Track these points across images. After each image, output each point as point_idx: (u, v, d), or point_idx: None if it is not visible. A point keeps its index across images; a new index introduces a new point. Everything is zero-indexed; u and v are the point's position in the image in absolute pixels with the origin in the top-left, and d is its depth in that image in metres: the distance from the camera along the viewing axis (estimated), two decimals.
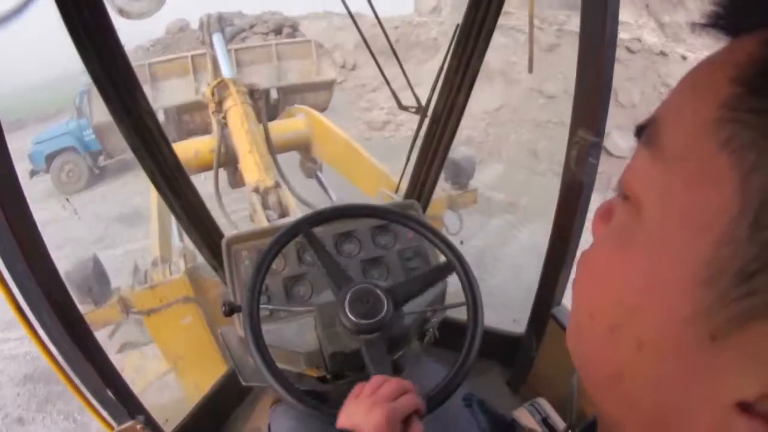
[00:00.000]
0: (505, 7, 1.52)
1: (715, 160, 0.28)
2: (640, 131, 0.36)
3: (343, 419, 0.93)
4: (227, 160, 3.88)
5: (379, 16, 1.64)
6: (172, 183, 1.56)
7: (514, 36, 11.06)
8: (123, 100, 1.37)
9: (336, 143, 4.41)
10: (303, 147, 4.84)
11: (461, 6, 1.58)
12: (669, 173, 0.32)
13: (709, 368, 0.28)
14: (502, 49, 10.79)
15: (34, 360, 5.32)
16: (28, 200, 1.18)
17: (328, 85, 7.58)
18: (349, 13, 1.68)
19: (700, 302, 0.28)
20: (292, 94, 7.06)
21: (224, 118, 3.78)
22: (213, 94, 3.82)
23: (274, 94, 6.45)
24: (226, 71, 4.21)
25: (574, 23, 9.50)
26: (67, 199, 10.86)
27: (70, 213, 9.47)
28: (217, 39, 4.87)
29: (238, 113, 3.66)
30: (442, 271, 1.37)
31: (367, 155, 4.08)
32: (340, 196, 4.88)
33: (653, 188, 0.33)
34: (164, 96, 6.66)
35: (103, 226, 8.60)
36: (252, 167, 3.35)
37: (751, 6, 0.32)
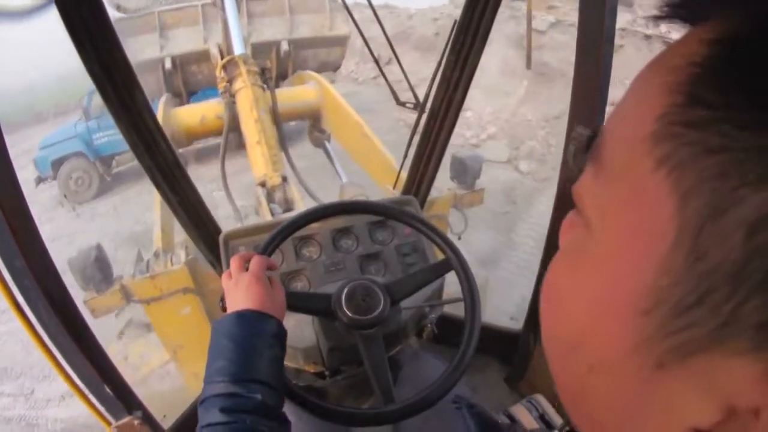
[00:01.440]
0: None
1: (651, 180, 0.26)
2: (589, 143, 0.34)
3: (231, 308, 0.99)
4: (234, 126, 3.77)
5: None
6: (170, 179, 1.56)
7: (574, 33, 10.34)
8: (121, 97, 1.36)
9: (344, 117, 4.34)
10: (312, 116, 4.75)
11: None
12: (609, 192, 0.30)
13: (659, 394, 0.27)
14: (562, 48, 9.88)
15: (31, 427, 4.39)
16: (33, 209, 1.18)
17: (342, 41, 7.47)
18: (347, 9, 1.66)
19: (642, 332, 0.27)
20: (303, 49, 6.97)
21: (233, 96, 3.67)
22: (222, 73, 3.70)
23: (285, 47, 6.40)
24: (238, 47, 3.99)
25: (639, 24, 9.22)
26: (74, 208, 9.86)
27: (76, 227, 8.50)
28: (229, 4, 4.50)
29: (247, 97, 3.55)
30: (440, 269, 1.37)
31: (373, 137, 4.01)
32: (344, 165, 4.71)
33: (597, 207, 0.32)
34: (172, 44, 6.56)
35: (112, 246, 7.05)
36: (259, 160, 3.32)
37: None
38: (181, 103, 5.41)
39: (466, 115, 10.31)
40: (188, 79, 6.55)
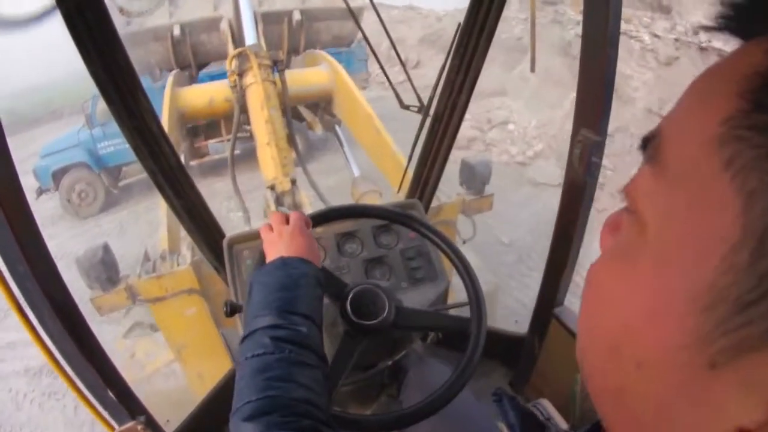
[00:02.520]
0: None
1: (717, 181, 0.27)
2: (645, 144, 0.35)
3: (271, 257, 1.05)
4: (245, 120, 3.74)
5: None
6: (174, 183, 1.56)
7: (627, 44, 9.41)
8: (125, 100, 1.36)
9: (355, 105, 4.28)
10: (323, 100, 4.70)
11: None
12: (671, 192, 0.31)
13: (708, 394, 0.27)
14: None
15: None
16: None
17: (355, 13, 7.26)
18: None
19: (699, 329, 0.27)
20: (315, 21, 6.85)
21: (242, 89, 3.60)
22: (232, 65, 3.60)
23: (297, 16, 6.27)
24: (250, 36, 3.91)
25: (690, 34, 8.66)
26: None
27: (78, 245, 7.12)
28: None
29: (258, 94, 3.48)
30: (457, 324, 1.33)
31: (383, 131, 3.98)
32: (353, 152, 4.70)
33: (656, 207, 0.32)
34: (182, 12, 6.40)
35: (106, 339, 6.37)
36: (269, 162, 3.28)
37: (761, 7, 0.30)
38: (190, 77, 5.28)
39: (509, 128, 10.07)
40: (197, 49, 6.37)
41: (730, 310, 0.26)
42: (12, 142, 1.12)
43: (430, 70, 12.27)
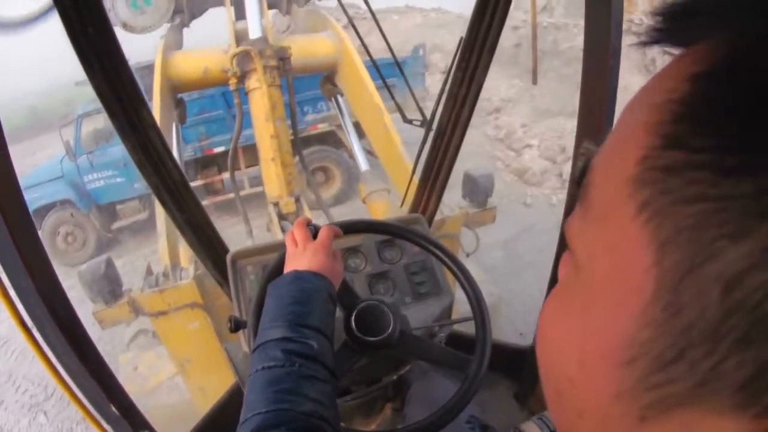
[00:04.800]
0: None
1: (632, 227, 0.25)
2: (579, 179, 0.33)
3: (291, 268, 1.03)
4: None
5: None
6: (177, 198, 1.56)
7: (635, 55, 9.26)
8: (128, 115, 1.36)
9: (358, 81, 4.05)
10: (326, 70, 4.40)
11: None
12: (595, 234, 0.29)
13: None
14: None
15: None
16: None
17: None
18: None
19: (623, 383, 0.26)
20: None
21: (246, 93, 3.34)
22: (234, 65, 3.26)
23: None
24: (254, 29, 3.46)
25: None
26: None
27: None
28: None
29: (263, 104, 3.23)
30: (454, 361, 1.31)
31: (392, 128, 3.81)
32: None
33: (584, 247, 0.30)
34: None
35: (107, 347, 4.93)
36: (272, 179, 3.25)
37: (692, 16, 0.26)
38: (181, 24, 4.86)
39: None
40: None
41: (651, 367, 0.25)
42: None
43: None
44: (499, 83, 11.47)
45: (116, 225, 8.72)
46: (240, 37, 3.54)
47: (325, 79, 4.48)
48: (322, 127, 8.50)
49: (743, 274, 0.21)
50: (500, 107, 10.88)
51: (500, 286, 4.46)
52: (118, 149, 7.76)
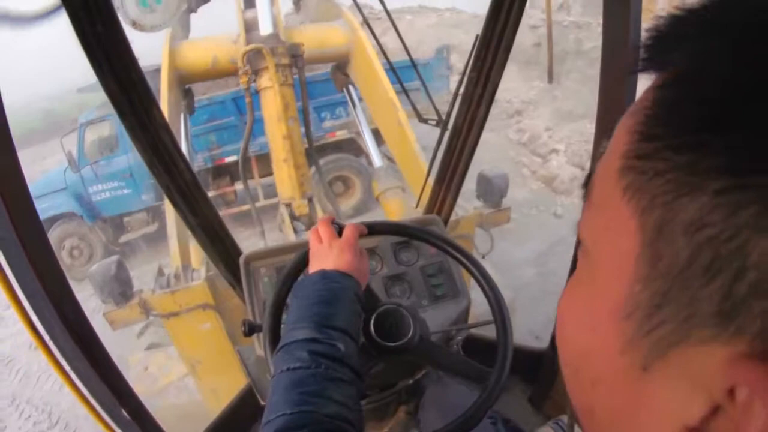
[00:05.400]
0: None
1: (621, 207, 0.32)
2: (586, 182, 0.40)
3: (315, 268, 1.03)
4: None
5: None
6: (189, 200, 1.54)
7: None
8: (138, 115, 1.35)
9: (372, 73, 3.95)
10: (338, 60, 4.29)
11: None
12: (596, 221, 0.36)
13: (650, 397, 0.31)
14: None
15: None
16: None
17: None
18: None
19: (625, 335, 0.31)
20: None
21: (257, 88, 3.27)
22: (245, 63, 3.18)
23: None
24: (265, 25, 3.39)
25: None
26: None
27: None
28: None
29: (275, 103, 3.19)
30: (474, 373, 1.27)
31: (401, 109, 3.73)
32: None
33: (590, 234, 0.37)
34: None
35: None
36: (285, 180, 3.23)
37: (663, 43, 0.33)
38: (189, 9, 4.79)
39: None
40: None
41: (645, 314, 0.30)
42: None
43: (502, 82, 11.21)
44: (518, 84, 11.28)
45: (123, 238, 8.57)
46: (249, 26, 3.50)
47: (335, 68, 4.40)
48: (341, 134, 8.17)
49: (700, 219, 0.26)
50: (521, 109, 10.72)
51: (535, 307, 4.37)
52: (124, 159, 7.70)
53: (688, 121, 0.28)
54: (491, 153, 8.41)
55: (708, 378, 0.27)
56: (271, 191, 7.06)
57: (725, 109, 0.27)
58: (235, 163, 7.42)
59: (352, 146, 8.30)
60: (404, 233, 1.42)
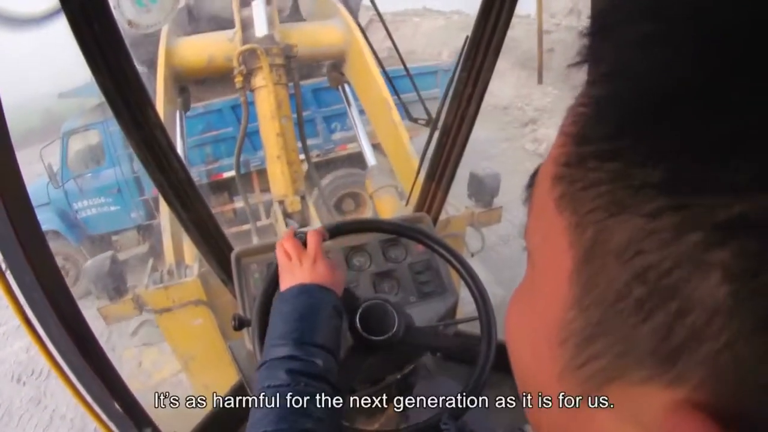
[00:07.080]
0: None
1: (554, 218, 0.28)
2: (530, 183, 0.35)
3: (289, 283, 1.02)
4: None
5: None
6: (182, 197, 1.56)
7: None
8: (133, 114, 1.36)
9: (366, 73, 3.95)
10: (334, 59, 4.29)
11: None
12: (535, 230, 0.32)
13: (592, 425, 0.27)
14: None
15: None
16: None
17: None
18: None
19: (560, 363, 0.28)
20: None
21: (251, 90, 3.32)
22: (240, 63, 3.24)
23: None
24: (260, 27, 3.46)
25: None
26: None
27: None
28: None
29: (269, 102, 3.22)
30: (464, 342, 1.30)
31: (394, 108, 3.71)
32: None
33: (531, 243, 0.33)
34: None
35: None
36: (278, 177, 3.25)
37: (593, 36, 0.29)
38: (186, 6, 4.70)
39: None
40: None
41: (578, 344, 0.26)
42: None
43: (511, 89, 10.74)
44: (530, 91, 11.17)
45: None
46: (246, 24, 3.54)
47: (331, 67, 4.42)
48: (352, 147, 7.26)
49: (634, 245, 0.22)
50: (536, 118, 10.57)
51: None
52: (111, 173, 7.08)
53: (616, 123, 0.24)
54: (505, 165, 8.02)
55: (650, 420, 0.23)
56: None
57: (658, 111, 0.22)
58: (233, 178, 6.46)
59: (363, 160, 7.75)
60: (369, 229, 1.44)
